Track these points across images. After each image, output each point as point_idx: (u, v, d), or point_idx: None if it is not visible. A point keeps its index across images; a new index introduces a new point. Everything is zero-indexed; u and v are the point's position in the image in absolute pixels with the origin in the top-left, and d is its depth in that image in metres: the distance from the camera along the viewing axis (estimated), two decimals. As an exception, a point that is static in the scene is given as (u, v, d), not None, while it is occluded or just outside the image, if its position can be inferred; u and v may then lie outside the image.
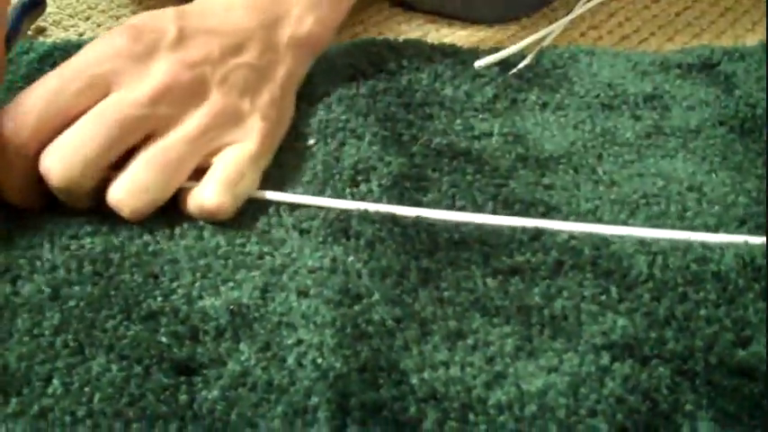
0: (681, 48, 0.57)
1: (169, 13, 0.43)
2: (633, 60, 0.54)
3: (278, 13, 0.46)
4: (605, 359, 0.33)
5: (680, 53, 0.55)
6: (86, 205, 0.40)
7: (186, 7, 0.44)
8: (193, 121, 0.40)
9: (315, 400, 0.31)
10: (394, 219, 0.40)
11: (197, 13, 0.44)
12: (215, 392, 0.32)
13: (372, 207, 0.40)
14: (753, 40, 0.60)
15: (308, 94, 0.49)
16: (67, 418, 0.31)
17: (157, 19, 0.42)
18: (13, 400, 0.31)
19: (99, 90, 0.39)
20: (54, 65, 0.51)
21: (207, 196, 0.39)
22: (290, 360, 0.33)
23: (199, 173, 0.40)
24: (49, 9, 0.61)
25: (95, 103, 0.39)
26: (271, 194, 0.41)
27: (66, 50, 0.53)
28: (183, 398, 0.31)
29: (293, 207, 0.41)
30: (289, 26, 0.46)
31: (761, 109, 0.49)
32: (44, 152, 0.38)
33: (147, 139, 0.39)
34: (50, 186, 0.38)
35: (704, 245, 0.39)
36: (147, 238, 0.39)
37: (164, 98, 0.40)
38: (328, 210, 0.40)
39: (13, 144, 0.38)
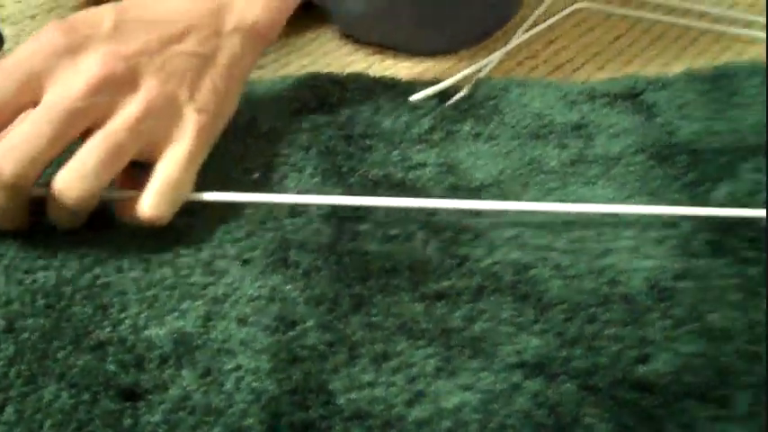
0: (608, 78, 0.61)
1: (107, 7, 0.44)
2: (563, 90, 0.57)
3: (223, 0, 0.47)
4: (517, 377, 0.36)
5: (607, 83, 0.59)
6: (25, 215, 0.42)
7: (126, 1, 0.45)
8: (132, 108, 0.42)
9: (249, 420, 0.34)
10: (330, 248, 0.43)
11: (137, 4, 0.44)
12: (157, 416, 0.34)
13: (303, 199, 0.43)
14: (680, 66, 0.63)
15: (253, 129, 0.52)
16: (20, 444, 0.33)
17: (93, 13, 0.43)
18: (-30, 428, 0.34)
19: (34, 87, 0.41)
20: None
21: (146, 207, 0.42)
22: (229, 384, 0.36)
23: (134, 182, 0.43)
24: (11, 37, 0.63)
25: (32, 100, 0.41)
26: (208, 195, 0.44)
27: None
28: (127, 422, 0.34)
29: (237, 240, 0.43)
30: (234, 14, 0.46)
31: (678, 137, 0.52)
32: None
33: (89, 132, 0.42)
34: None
35: (617, 269, 0.42)
36: (97, 271, 0.41)
37: (99, 90, 0.41)
38: (269, 242, 0.43)
39: None
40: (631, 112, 0.55)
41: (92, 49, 0.42)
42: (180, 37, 0.44)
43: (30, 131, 0.40)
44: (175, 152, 0.43)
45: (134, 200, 0.42)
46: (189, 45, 0.44)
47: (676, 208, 0.44)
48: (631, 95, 0.57)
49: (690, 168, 0.49)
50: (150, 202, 0.42)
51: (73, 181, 0.41)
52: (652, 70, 0.63)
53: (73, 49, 0.42)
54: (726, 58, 0.66)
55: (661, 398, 0.36)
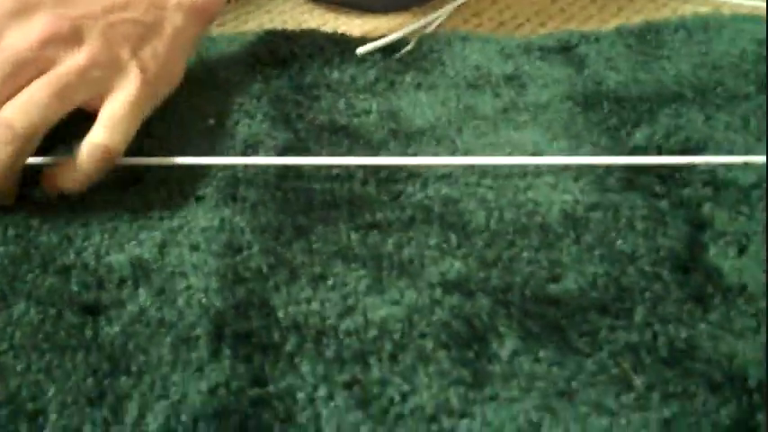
0: (546, 33, 0.65)
1: None
2: (501, 44, 0.62)
3: None
4: (438, 293, 0.40)
5: (543, 37, 0.63)
6: None
7: None
8: (78, 57, 0.46)
9: (198, 331, 0.38)
10: (276, 185, 0.47)
11: None
12: (116, 328, 0.39)
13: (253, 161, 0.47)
14: (616, 23, 0.68)
15: (210, 80, 0.56)
16: (-8, 352, 0.37)
17: None
18: (-53, 339, 0.38)
19: None
20: None
21: (98, 137, 0.45)
22: (180, 301, 0.40)
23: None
24: None
25: None
26: (179, 160, 0.48)
27: None
28: (89, 333, 0.38)
29: (193, 178, 0.48)
30: None
31: (603, 86, 0.57)
32: None
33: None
34: None
35: (536, 201, 0.46)
36: (62, 207, 0.45)
37: (47, 44, 0.45)
38: (221, 178, 0.47)
39: None
40: (563, 64, 0.59)
41: (40, 11, 0.46)
42: (123, 6, 0.48)
43: None
44: (120, 96, 0.46)
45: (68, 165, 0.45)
46: (132, 13, 0.48)
47: (633, 158, 0.49)
48: (565, 49, 0.61)
49: (612, 114, 0.54)
50: (101, 133, 0.45)
51: (19, 112, 0.43)
52: (590, 27, 0.68)
53: (22, 12, 0.46)
54: (661, 15, 0.70)
55: (566, 311, 0.40)
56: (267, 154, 0.49)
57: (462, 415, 0.35)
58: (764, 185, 0.47)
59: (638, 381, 0.37)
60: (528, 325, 0.39)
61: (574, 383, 0.36)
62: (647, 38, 0.62)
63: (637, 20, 0.69)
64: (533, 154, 0.50)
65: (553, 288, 0.41)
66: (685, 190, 0.47)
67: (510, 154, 0.50)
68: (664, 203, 0.47)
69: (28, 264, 0.42)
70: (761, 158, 0.48)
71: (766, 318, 0.39)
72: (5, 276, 0.41)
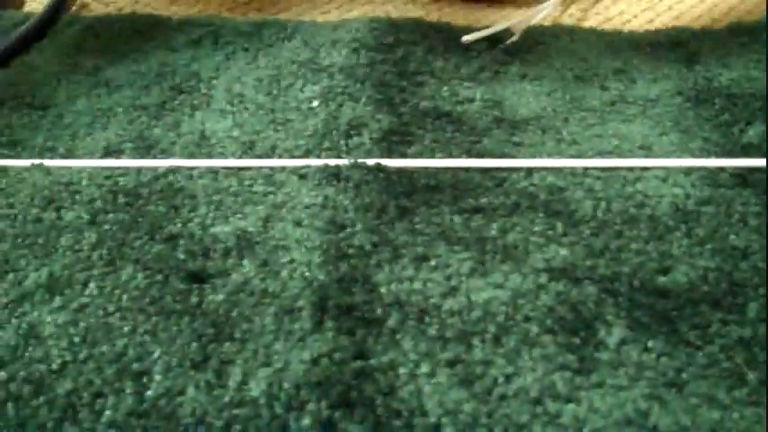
0: (655, 29, 0.63)
1: None
2: (609, 39, 0.60)
3: None
4: (543, 279, 0.40)
5: (652, 33, 0.62)
6: None
7: None
8: None
9: (300, 302, 0.38)
10: (380, 167, 0.47)
11: None
12: (220, 296, 0.39)
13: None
14: (727, 22, 0.66)
15: (313, 63, 0.56)
16: (100, 312, 0.38)
17: None
18: (57, 298, 0.39)
19: None
20: (96, 36, 0.59)
21: None
22: (284, 273, 0.40)
23: None
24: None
25: None
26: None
27: (107, 23, 0.60)
28: (194, 299, 0.39)
29: (294, 157, 0.48)
30: None
31: (717, 81, 0.55)
32: None
33: None
34: None
35: (645, 194, 0.45)
36: (170, 177, 0.46)
37: None
38: (324, 156, 0.47)
39: None
40: (673, 60, 0.58)
41: None
42: None
43: None
44: None
45: None
46: None
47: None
48: (675, 45, 0.60)
49: (723, 111, 0.52)
50: None
51: None
52: (699, 25, 0.66)
53: None
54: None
55: (676, 303, 0.39)
56: (371, 136, 0.49)
57: (568, 400, 0.34)
58: None
59: (752, 376, 0.35)
60: (636, 315, 0.38)
61: (684, 375, 0.35)
62: (761, 36, 0.60)
63: (747, 20, 0.67)
64: (641, 147, 0.49)
65: (662, 280, 0.40)
66: (801, 189, 0.46)
67: (617, 146, 0.49)
68: (778, 201, 0.45)
69: (136, 231, 0.42)
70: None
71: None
72: (114, 241, 0.42)
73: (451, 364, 0.36)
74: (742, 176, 0.47)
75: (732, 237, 0.42)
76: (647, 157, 0.48)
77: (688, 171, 0.47)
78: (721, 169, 0.47)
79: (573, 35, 0.61)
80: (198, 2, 0.69)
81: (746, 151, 0.49)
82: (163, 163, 0.47)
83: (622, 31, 0.62)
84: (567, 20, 0.67)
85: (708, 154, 0.48)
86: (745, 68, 0.56)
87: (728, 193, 0.45)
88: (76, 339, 0.37)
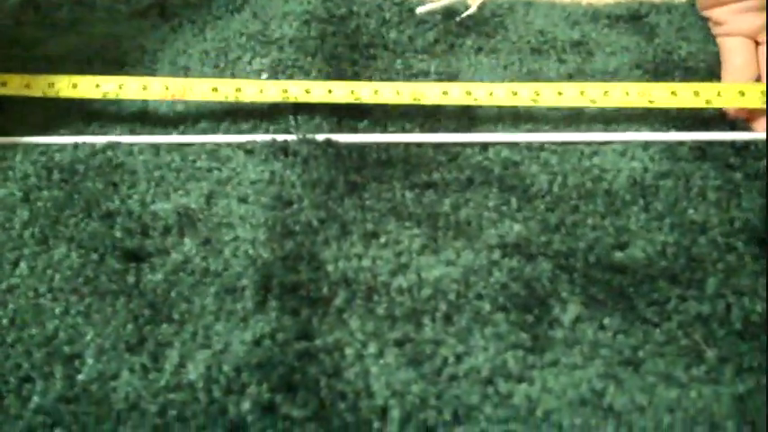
0: (615, 1, 0.62)
1: None
2: (567, 11, 0.59)
3: None
4: (496, 255, 0.38)
5: (612, 6, 0.60)
6: None
7: None
8: None
9: (244, 281, 0.36)
10: (329, 141, 0.45)
11: None
12: (159, 276, 0.37)
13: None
14: (687, -4, 0.65)
15: (264, 36, 0.54)
16: (31, 293, 0.36)
17: None
18: (-14, 279, 0.37)
19: None
20: (36, 7, 0.56)
21: None
22: (227, 252, 0.38)
23: None
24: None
25: None
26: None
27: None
28: (130, 279, 0.37)
29: (241, 131, 0.46)
30: None
31: (676, 55, 0.54)
32: None
33: None
34: None
35: (602, 167, 0.44)
36: (109, 153, 0.44)
37: None
38: (272, 133, 0.45)
39: None
40: (632, 33, 0.57)
41: None
42: None
43: None
44: None
45: None
46: None
47: (677, 134, 0.46)
48: (634, 17, 0.58)
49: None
50: None
51: None
52: (659, -1, 0.65)
53: None
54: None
55: (633, 279, 0.38)
56: (321, 111, 0.47)
57: (520, 379, 0.33)
58: None
59: (711, 353, 0.34)
60: (592, 291, 0.37)
61: (640, 353, 0.34)
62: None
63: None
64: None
65: (619, 255, 0.39)
66: (761, 162, 0.44)
67: (576, 116, 0.48)
68: (738, 175, 0.44)
69: (71, 208, 0.40)
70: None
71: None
72: (48, 219, 0.40)
73: (400, 343, 0.34)
74: (701, 149, 0.45)
75: (691, 211, 0.41)
76: (605, 130, 0.47)
77: (646, 145, 0.46)
78: (680, 143, 0.46)
79: (530, 7, 0.59)
80: (145, -26, 0.67)
81: (708, 125, 0.47)
82: (100, 139, 0.44)
83: (581, 3, 0.61)
84: (525, -7, 0.65)
85: (667, 128, 0.47)
86: (704, 42, 0.55)
87: (687, 166, 0.44)
88: (4, 322, 0.35)
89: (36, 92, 0.45)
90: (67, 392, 0.32)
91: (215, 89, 0.46)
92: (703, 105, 0.46)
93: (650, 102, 0.46)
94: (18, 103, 0.47)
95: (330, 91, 0.46)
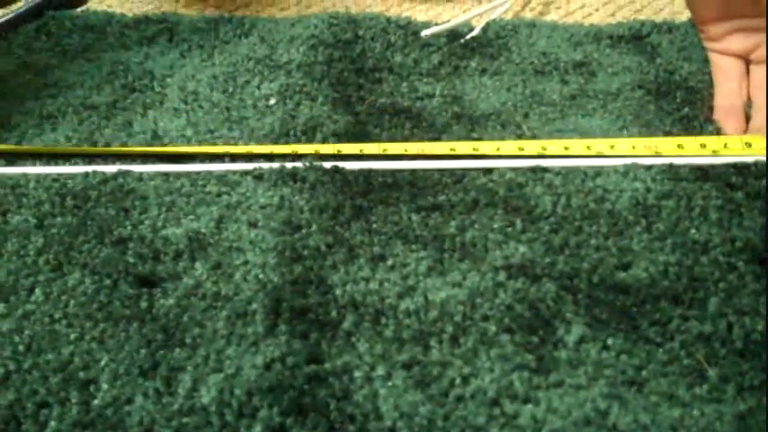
0: (617, 22, 0.63)
1: None
2: (569, 32, 0.60)
3: None
4: (501, 277, 0.39)
5: (614, 26, 0.61)
6: None
7: None
8: None
9: (254, 306, 0.37)
10: (336, 168, 0.46)
11: None
12: (171, 300, 0.38)
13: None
14: (687, 16, 0.65)
15: (271, 60, 0.55)
16: (46, 319, 0.37)
17: None
18: (1, 305, 0.37)
19: None
20: (48, 34, 0.57)
21: None
22: (237, 276, 0.39)
23: None
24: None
25: None
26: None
27: (60, 21, 0.59)
28: (143, 304, 0.38)
29: (250, 157, 0.47)
30: None
31: (677, 74, 0.55)
32: None
33: None
34: None
35: (605, 188, 0.45)
36: (120, 180, 0.45)
37: None
38: (280, 160, 0.46)
39: None
40: (634, 53, 0.57)
41: None
42: None
43: None
44: None
45: None
46: None
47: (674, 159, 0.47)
48: (636, 38, 0.59)
49: (685, 104, 0.52)
50: None
51: None
52: (661, 18, 0.65)
53: None
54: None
55: (636, 299, 0.38)
56: (325, 137, 0.48)
57: (526, 400, 0.34)
58: None
59: (712, 372, 0.35)
60: (595, 312, 0.37)
61: (644, 373, 0.35)
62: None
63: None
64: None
65: (622, 275, 0.40)
66: (761, 181, 0.45)
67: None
68: (739, 194, 0.44)
69: (84, 234, 0.41)
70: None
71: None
72: (62, 246, 0.40)
73: (408, 366, 0.35)
74: (702, 169, 0.46)
75: (692, 231, 0.42)
76: (608, 152, 0.48)
77: (649, 165, 0.46)
78: (683, 164, 0.46)
79: (533, 28, 0.60)
80: (153, -1, 0.68)
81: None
82: (109, 168, 0.45)
83: (583, 24, 0.62)
84: (527, 14, 0.66)
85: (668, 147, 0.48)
86: (705, 61, 0.56)
87: (689, 186, 0.45)
88: (21, 348, 0.35)
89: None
90: (83, 417, 0.33)
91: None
92: (710, 155, 0.47)
93: (657, 152, 0.47)
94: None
95: (340, 152, 0.47)
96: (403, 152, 0.47)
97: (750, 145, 0.47)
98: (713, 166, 0.46)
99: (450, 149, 0.47)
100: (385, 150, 0.47)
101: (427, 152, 0.47)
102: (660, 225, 0.42)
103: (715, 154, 0.47)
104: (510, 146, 0.47)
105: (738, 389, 0.34)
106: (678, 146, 0.47)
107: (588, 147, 0.47)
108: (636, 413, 0.33)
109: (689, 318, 0.37)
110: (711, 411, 0.33)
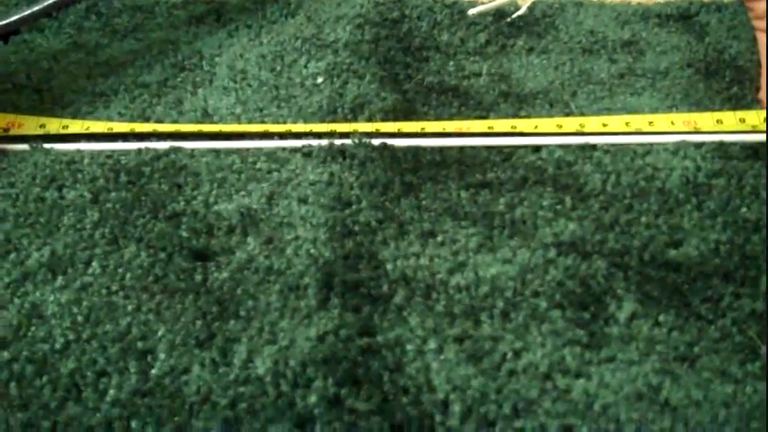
0: (665, 0, 0.62)
1: None
2: (617, 11, 0.59)
3: None
4: (552, 253, 0.39)
5: (662, 5, 0.61)
6: None
7: None
8: None
9: (306, 279, 0.38)
10: (384, 144, 0.46)
11: None
12: (225, 274, 0.38)
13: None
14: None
15: (318, 40, 0.55)
16: (103, 291, 0.37)
17: None
18: (60, 278, 0.38)
19: None
20: (98, 14, 0.58)
21: None
22: (289, 250, 0.39)
23: None
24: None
25: None
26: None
27: (109, 1, 0.60)
28: (198, 278, 0.38)
29: (298, 135, 0.47)
30: None
31: (726, 54, 0.54)
32: None
33: None
34: None
35: (655, 166, 0.45)
36: (173, 156, 0.45)
37: None
38: (329, 137, 0.47)
39: None
40: (682, 32, 0.57)
41: None
42: None
43: None
44: None
45: None
46: None
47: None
48: (684, 17, 0.59)
49: (734, 83, 0.51)
50: None
51: None
52: (709, -3, 0.65)
53: None
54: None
55: (688, 276, 0.38)
56: (372, 114, 0.48)
57: (578, 375, 0.34)
58: None
59: (765, 349, 0.35)
60: (647, 288, 0.37)
61: (695, 349, 0.35)
62: (773, 7, 0.59)
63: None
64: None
65: (673, 253, 0.39)
66: (814, 160, 0.45)
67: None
68: (790, 174, 0.44)
69: (138, 209, 0.42)
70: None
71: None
72: (117, 220, 0.41)
73: (459, 340, 0.35)
74: (753, 148, 0.46)
75: (743, 209, 0.42)
76: (655, 130, 0.47)
77: (699, 144, 0.46)
78: (733, 142, 0.46)
79: (580, 7, 0.60)
80: (200, -20, 0.69)
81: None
82: (162, 145, 0.46)
83: (631, 3, 0.61)
84: (574, -7, 0.66)
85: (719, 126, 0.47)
86: (754, 41, 0.55)
87: (739, 165, 0.44)
88: (80, 319, 0.36)
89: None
90: (142, 386, 0.33)
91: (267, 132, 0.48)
92: (750, 129, 0.47)
93: (696, 128, 0.47)
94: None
95: (378, 130, 0.47)
96: (442, 130, 0.47)
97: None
98: (763, 144, 0.46)
99: (489, 127, 0.47)
100: (423, 129, 0.47)
101: (465, 130, 0.47)
102: (711, 203, 0.42)
103: (755, 128, 0.46)
104: (549, 123, 0.47)
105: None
106: (717, 121, 0.47)
107: (627, 123, 0.47)
108: (688, 389, 0.33)
109: (741, 295, 0.37)
110: (764, 388, 0.33)
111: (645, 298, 0.37)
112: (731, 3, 0.61)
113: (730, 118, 0.47)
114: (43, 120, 0.48)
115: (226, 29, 0.58)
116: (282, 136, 0.47)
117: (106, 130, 0.47)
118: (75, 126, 0.48)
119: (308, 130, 0.47)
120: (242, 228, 0.41)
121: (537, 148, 0.46)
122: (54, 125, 0.48)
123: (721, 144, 0.46)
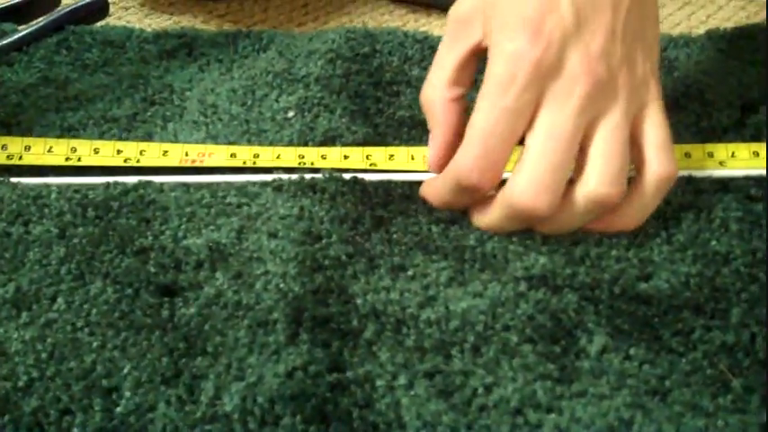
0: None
1: None
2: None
3: None
4: (522, 287, 0.39)
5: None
6: None
7: None
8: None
9: (275, 315, 0.37)
10: (355, 178, 0.46)
11: None
12: (192, 310, 0.38)
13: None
14: (703, 30, 0.65)
15: (290, 74, 0.55)
16: (68, 328, 0.37)
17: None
18: (24, 314, 0.38)
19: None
20: (68, 48, 0.58)
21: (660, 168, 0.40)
22: (258, 285, 0.39)
23: None
24: None
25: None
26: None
27: (80, 35, 0.59)
28: (165, 313, 0.38)
29: (268, 170, 0.47)
30: None
31: (695, 88, 0.55)
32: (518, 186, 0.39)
33: None
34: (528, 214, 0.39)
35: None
36: (141, 191, 0.45)
37: (593, 100, 0.39)
38: (300, 171, 0.46)
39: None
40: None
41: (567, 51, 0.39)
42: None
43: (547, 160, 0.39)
44: (653, 117, 0.41)
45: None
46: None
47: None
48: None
49: (703, 117, 0.52)
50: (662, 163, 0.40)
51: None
52: (677, 32, 0.66)
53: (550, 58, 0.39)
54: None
55: (658, 309, 0.38)
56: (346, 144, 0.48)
57: (549, 409, 0.33)
58: None
59: (736, 382, 0.35)
60: (617, 322, 0.37)
61: (667, 382, 0.35)
62: (739, 44, 0.60)
63: (725, 27, 0.67)
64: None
65: (644, 286, 0.39)
66: (782, 194, 0.45)
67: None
68: (759, 206, 0.44)
69: (106, 244, 0.41)
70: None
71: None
72: (83, 255, 0.41)
73: (430, 375, 0.35)
74: (721, 182, 0.46)
75: (713, 242, 0.42)
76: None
77: (668, 177, 0.46)
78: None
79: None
80: (172, 14, 0.69)
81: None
82: (130, 179, 0.46)
83: (600, 39, 0.62)
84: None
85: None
86: (723, 75, 0.56)
87: (708, 198, 0.45)
88: (44, 356, 0.36)
89: (59, 158, 0.48)
90: (106, 425, 0.33)
91: (233, 155, 0.48)
92: (716, 165, 0.47)
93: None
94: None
95: (346, 156, 0.47)
96: (410, 159, 0.47)
97: (758, 154, 0.47)
98: (732, 179, 0.46)
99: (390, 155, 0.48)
100: (392, 156, 0.47)
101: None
102: (680, 237, 0.42)
103: (722, 164, 0.47)
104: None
105: (762, 399, 0.34)
106: (686, 154, 0.47)
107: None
108: (660, 423, 0.33)
109: (711, 328, 0.37)
110: (736, 422, 0.33)
111: (615, 331, 0.37)
112: (699, 37, 0.61)
113: (699, 151, 0.48)
114: (5, 140, 0.48)
115: (197, 63, 0.58)
116: (251, 163, 0.47)
117: (69, 150, 0.47)
118: (38, 146, 0.47)
119: (276, 155, 0.47)
120: (210, 263, 0.40)
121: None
122: (16, 146, 0.47)
123: (690, 178, 0.46)
